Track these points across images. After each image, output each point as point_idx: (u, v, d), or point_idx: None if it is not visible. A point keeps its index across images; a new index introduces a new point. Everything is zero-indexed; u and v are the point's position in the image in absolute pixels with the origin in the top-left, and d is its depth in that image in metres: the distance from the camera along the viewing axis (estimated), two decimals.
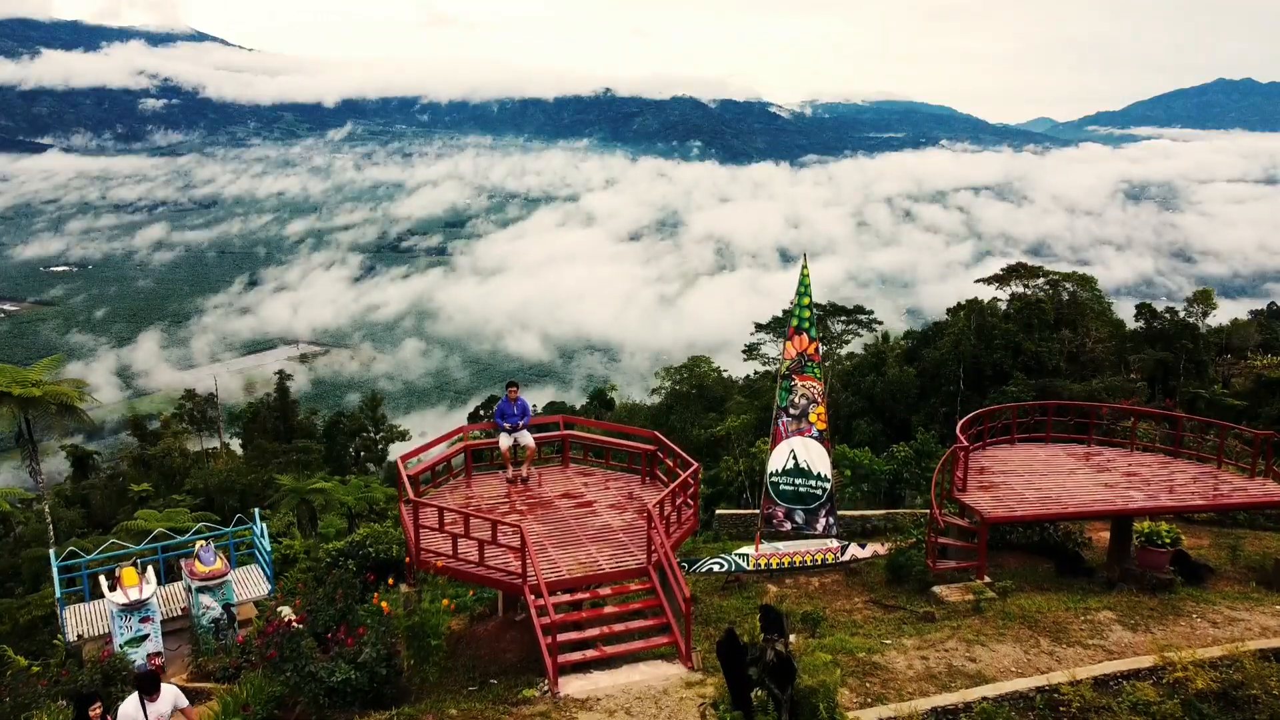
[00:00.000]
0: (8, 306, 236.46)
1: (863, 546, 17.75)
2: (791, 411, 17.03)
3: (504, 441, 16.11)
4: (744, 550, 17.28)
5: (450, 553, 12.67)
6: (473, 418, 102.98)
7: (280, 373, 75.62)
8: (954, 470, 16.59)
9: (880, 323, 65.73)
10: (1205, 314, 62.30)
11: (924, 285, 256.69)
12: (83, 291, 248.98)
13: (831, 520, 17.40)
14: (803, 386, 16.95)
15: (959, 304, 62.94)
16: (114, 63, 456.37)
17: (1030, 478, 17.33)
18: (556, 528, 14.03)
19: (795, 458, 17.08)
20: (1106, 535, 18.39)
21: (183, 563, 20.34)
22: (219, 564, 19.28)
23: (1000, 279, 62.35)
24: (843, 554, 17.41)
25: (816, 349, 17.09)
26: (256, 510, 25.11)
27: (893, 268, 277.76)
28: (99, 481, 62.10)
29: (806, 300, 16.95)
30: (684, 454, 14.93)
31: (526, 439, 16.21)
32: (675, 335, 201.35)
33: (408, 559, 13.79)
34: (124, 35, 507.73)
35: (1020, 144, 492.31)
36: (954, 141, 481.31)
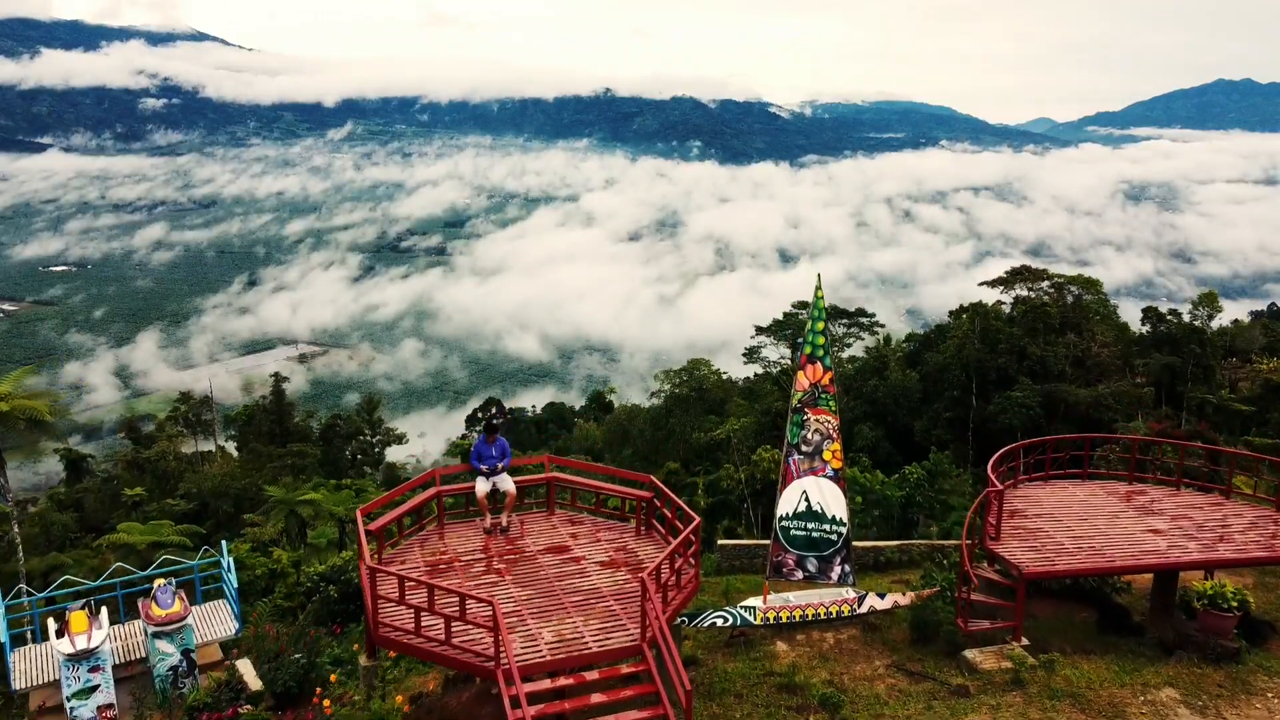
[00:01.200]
0: (7, 306, 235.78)
1: (881, 596, 15.99)
2: (803, 449, 15.26)
3: (481, 487, 14.31)
4: (750, 602, 15.53)
5: (412, 627, 10.95)
6: (471, 419, 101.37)
7: (276, 375, 74.00)
8: (986, 516, 14.84)
9: (882, 326, 64.13)
10: (1211, 317, 60.62)
11: (923, 286, 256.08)
12: (82, 291, 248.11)
13: (847, 568, 15.65)
14: (816, 421, 15.16)
15: (961, 307, 61.34)
16: (114, 62, 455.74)
17: (1069, 522, 15.57)
18: (537, 591, 12.29)
19: (808, 500, 15.32)
20: (1146, 577, 16.71)
21: (140, 604, 18.70)
22: (177, 606, 17.60)
23: (1005, 282, 60.57)
24: (860, 605, 15.67)
25: (831, 380, 15.28)
26: (224, 542, 23.42)
27: (892, 268, 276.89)
28: (93, 485, 60.78)
29: (820, 325, 15.14)
30: (684, 505, 13.18)
31: (506, 483, 14.42)
32: (675, 335, 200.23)
33: (356, 646, 12.09)
34: (124, 35, 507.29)
35: (1020, 144, 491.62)
36: (954, 142, 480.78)
